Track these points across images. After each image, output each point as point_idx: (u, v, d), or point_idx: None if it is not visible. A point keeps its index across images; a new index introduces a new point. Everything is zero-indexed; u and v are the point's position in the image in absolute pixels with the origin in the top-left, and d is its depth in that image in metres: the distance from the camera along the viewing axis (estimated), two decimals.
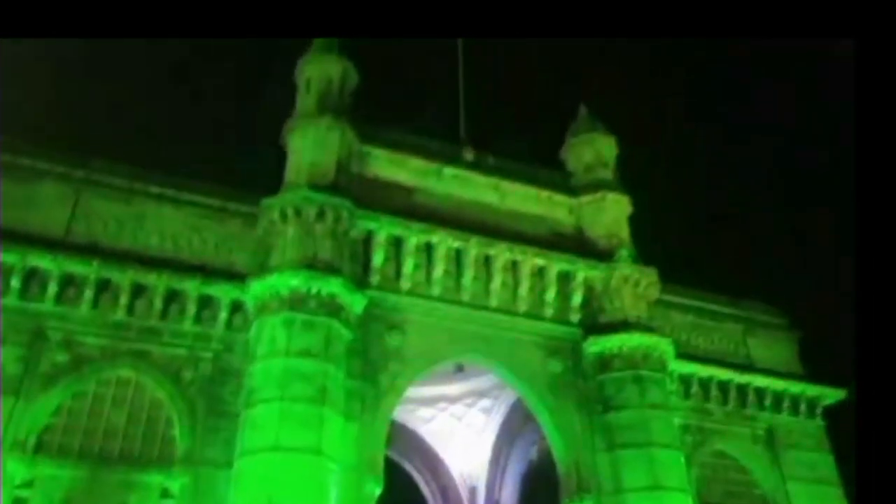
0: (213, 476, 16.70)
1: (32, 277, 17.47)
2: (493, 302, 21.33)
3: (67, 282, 17.69)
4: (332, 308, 18.41)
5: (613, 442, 20.39)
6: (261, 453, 16.30)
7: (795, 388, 25.54)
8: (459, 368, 23.74)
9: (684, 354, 23.00)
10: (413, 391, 22.14)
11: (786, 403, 25.21)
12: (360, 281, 19.49)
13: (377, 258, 20.22)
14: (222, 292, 18.90)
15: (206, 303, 18.81)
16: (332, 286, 18.45)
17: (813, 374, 26.51)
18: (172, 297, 18.52)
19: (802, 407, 25.48)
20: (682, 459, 20.58)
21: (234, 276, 18.99)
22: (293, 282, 18.25)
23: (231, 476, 16.43)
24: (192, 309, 18.57)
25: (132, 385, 17.61)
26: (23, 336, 16.85)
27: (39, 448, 16.04)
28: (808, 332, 27.72)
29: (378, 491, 17.74)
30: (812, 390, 25.79)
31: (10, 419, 15.86)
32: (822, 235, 32.94)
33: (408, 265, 20.49)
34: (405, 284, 20.44)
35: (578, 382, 21.27)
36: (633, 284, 22.64)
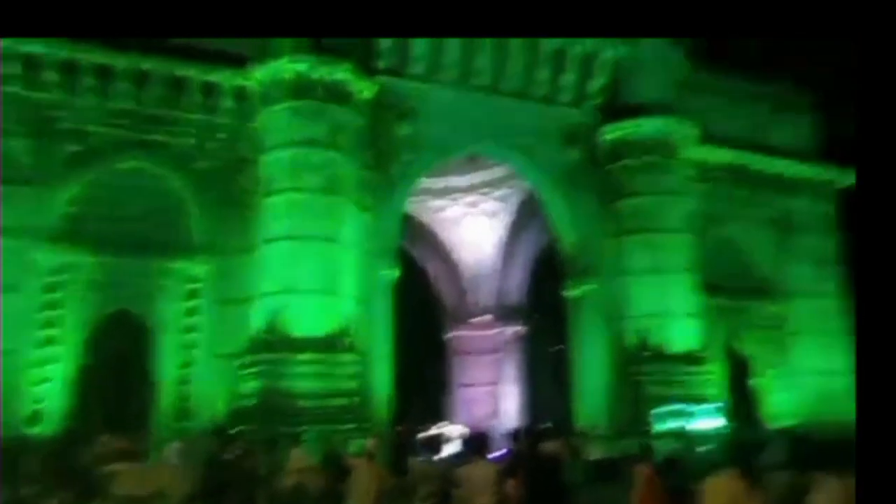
0: (233, 262, 17.48)
1: (32, 65, 16.65)
2: (509, 87, 20.38)
3: (67, 69, 16.90)
4: (341, 95, 17.79)
5: (622, 228, 20.78)
6: (278, 241, 16.89)
7: (811, 171, 25.18)
8: (473, 158, 23.44)
9: (706, 138, 22.30)
10: (426, 182, 22.16)
11: (800, 187, 25.06)
12: (368, 66, 18.49)
13: (386, 39, 18.94)
14: (225, 78, 18.11)
15: (210, 90, 18.11)
16: (340, 72, 17.63)
17: (831, 156, 25.90)
18: (175, 84, 17.79)
19: (816, 190, 25.34)
20: (689, 243, 21.00)
21: (237, 61, 18.02)
22: (298, 67, 17.43)
23: (251, 262, 17.18)
24: (196, 97, 17.94)
25: (146, 175, 17.66)
26: (30, 126, 16.54)
27: (63, 236, 16.55)
28: (832, 115, 26.57)
29: (393, 276, 18.63)
30: (827, 173, 25.43)
31: (27, 208, 16.14)
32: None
33: (419, 47, 19.26)
34: (416, 69, 19.40)
35: (594, 171, 21.10)
36: (659, 64, 21.36)
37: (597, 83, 21.20)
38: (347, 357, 16.75)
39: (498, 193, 25.32)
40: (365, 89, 18.34)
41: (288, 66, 17.42)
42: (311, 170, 17.22)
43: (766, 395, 23.03)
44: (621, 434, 18.24)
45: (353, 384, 16.63)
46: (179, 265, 17.43)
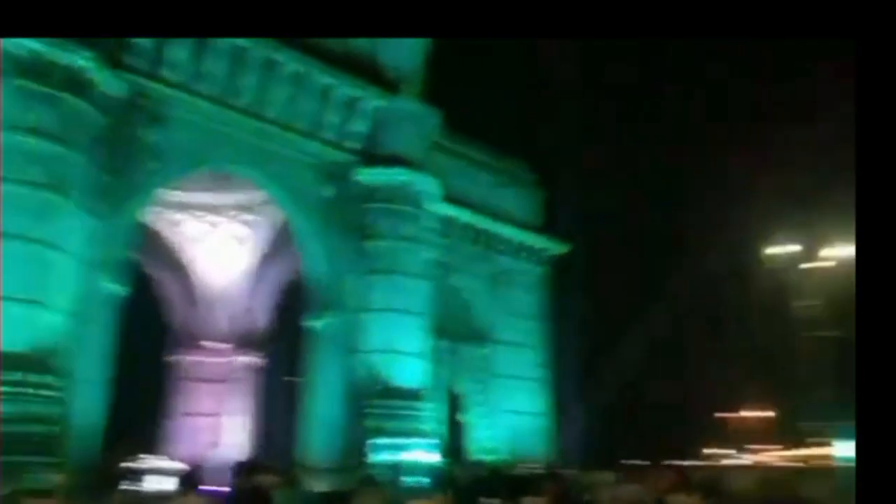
0: None
1: None
2: (272, 113, 20.12)
3: None
4: (80, 85, 16.02)
5: (367, 267, 21.48)
6: None
7: (529, 238, 28.94)
8: (226, 177, 22.44)
9: (448, 197, 24.27)
10: (172, 195, 20.64)
11: (518, 250, 28.60)
12: (118, 60, 16.93)
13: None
14: None
15: None
16: (82, 59, 15.87)
17: (547, 228, 30.06)
18: None
19: (531, 255, 29.17)
20: (425, 288, 22.38)
21: None
22: (33, 45, 15.29)
23: None
24: None
25: None
26: None
27: None
28: (551, 192, 30.98)
29: (119, 291, 16.88)
30: (542, 242, 29.46)
31: None
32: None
33: (178, 53, 18.17)
34: (174, 75, 18.24)
35: (347, 209, 21.57)
36: (415, 121, 22.82)
37: (357, 127, 21.91)
38: (50, 378, 14.61)
39: (248, 217, 24.49)
40: (110, 84, 16.73)
41: (20, 40, 15.20)
42: (31, 161, 15.07)
43: (473, 431, 25.31)
44: (345, 466, 18.44)
45: (54, 410, 14.49)
46: None
